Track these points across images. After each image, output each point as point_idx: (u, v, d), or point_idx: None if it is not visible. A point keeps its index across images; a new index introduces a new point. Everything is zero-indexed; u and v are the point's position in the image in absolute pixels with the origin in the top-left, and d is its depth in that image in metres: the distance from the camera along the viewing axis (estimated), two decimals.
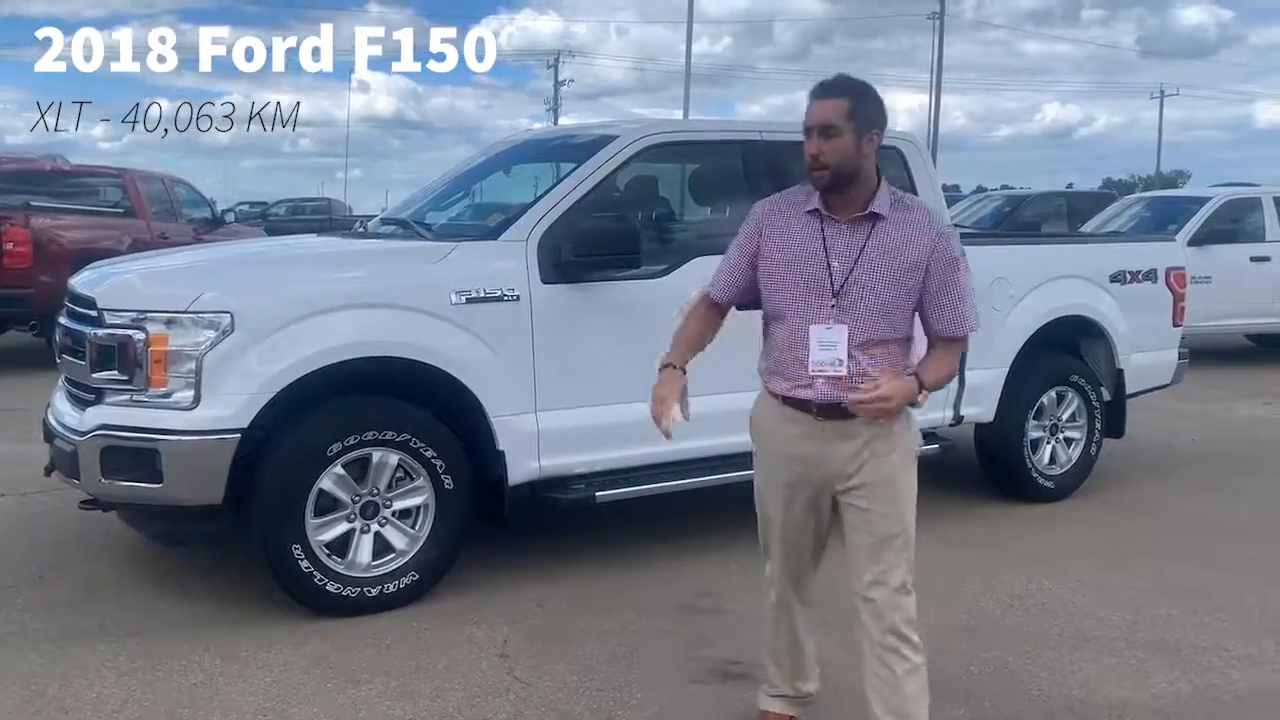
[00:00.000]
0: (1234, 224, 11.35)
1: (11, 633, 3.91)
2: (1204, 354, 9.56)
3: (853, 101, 2.64)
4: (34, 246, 9.48)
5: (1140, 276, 6.22)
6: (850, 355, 2.69)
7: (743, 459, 4.74)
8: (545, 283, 4.32)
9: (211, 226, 12.99)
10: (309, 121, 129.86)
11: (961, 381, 5.46)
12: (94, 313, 4.03)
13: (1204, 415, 8.47)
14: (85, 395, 4.09)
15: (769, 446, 2.92)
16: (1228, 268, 10.67)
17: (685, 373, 2.89)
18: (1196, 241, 10.62)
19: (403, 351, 4.07)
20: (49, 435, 4.32)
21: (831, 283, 2.67)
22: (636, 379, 4.51)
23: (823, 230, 2.71)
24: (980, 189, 27.69)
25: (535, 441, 4.33)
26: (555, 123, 47.31)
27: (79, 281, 4.41)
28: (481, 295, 4.21)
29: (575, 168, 4.57)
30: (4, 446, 6.13)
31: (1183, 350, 6.50)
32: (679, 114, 34.00)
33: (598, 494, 4.44)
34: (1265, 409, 9.02)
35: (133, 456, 3.85)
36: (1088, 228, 13.16)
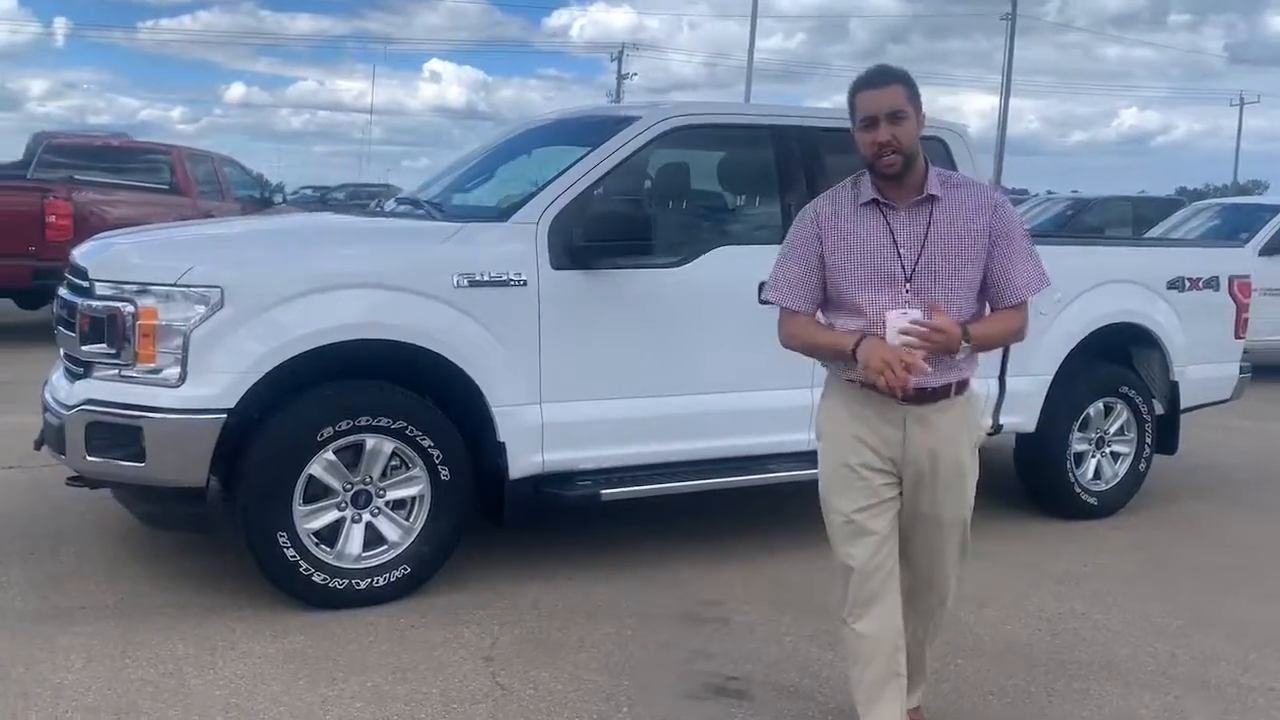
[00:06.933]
0: None
1: None
2: (1271, 370, 9.08)
3: (908, 87, 2.70)
4: (76, 220, 9.47)
5: (1201, 284, 5.85)
6: None
7: (758, 461, 4.57)
8: (555, 268, 4.11)
9: (260, 207, 12.99)
10: (382, 109, 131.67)
11: (1002, 388, 5.18)
12: (86, 283, 3.91)
13: (1264, 434, 8.01)
14: (76, 369, 3.98)
15: (848, 431, 2.79)
16: None
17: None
18: (1269, 251, 10.10)
19: (400, 335, 3.89)
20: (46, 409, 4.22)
21: (903, 269, 2.68)
22: (648, 373, 4.34)
23: (886, 219, 2.72)
24: (1050, 194, 27.00)
25: (539, 434, 4.13)
26: None
27: (78, 251, 4.30)
28: (486, 279, 4.01)
29: (591, 150, 4.36)
30: (13, 419, 6.06)
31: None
32: None
33: (603, 492, 4.22)
34: None
35: (117, 433, 3.72)
36: (1153, 234, 12.65)
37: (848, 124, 4.50)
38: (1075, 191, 24.88)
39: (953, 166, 4.94)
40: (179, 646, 3.56)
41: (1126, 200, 18.25)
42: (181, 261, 3.77)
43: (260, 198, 13.34)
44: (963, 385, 2.79)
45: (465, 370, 3.99)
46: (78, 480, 4.00)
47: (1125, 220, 16.61)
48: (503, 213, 4.30)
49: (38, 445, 4.18)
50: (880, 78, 2.70)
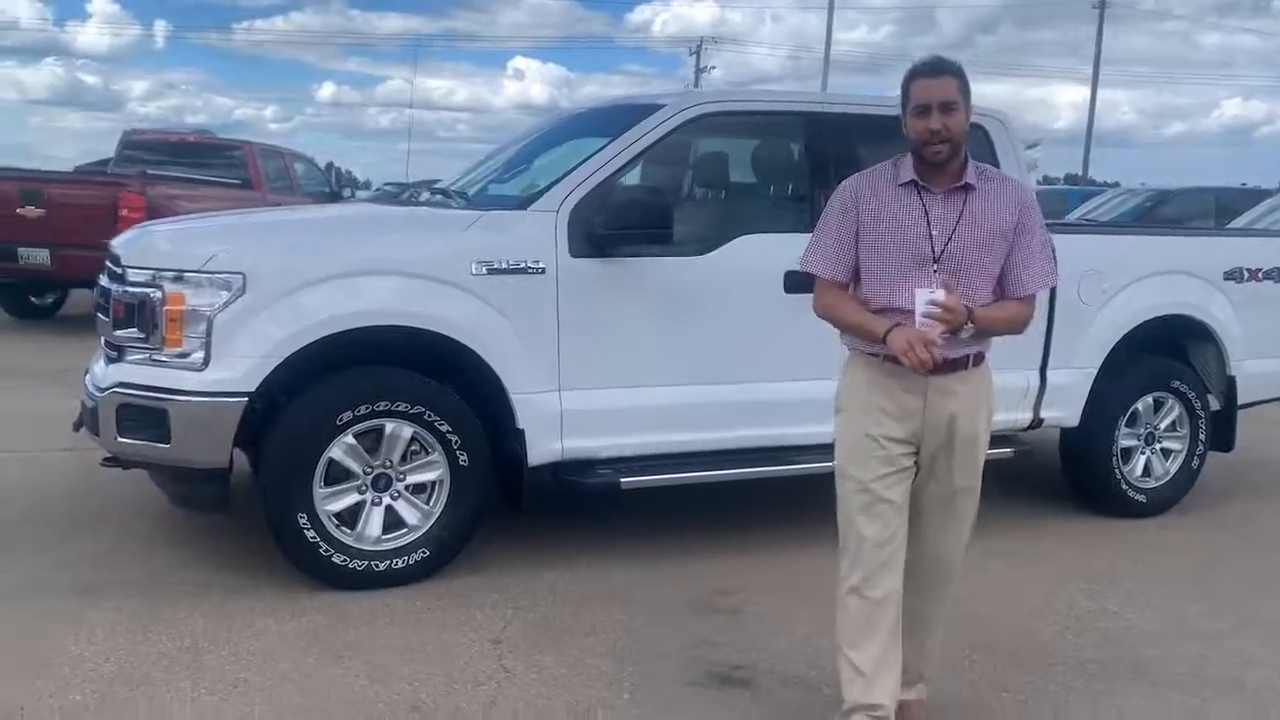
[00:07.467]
0: None
1: (29, 585, 3.95)
2: None
3: (961, 79, 2.81)
4: (148, 213, 9.73)
5: (1260, 275, 5.63)
6: None
7: (781, 452, 4.52)
8: (574, 256, 4.12)
9: (330, 201, 13.25)
10: (466, 107, 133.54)
11: (1043, 381, 5.05)
12: (119, 270, 4.03)
13: None
14: (112, 354, 4.11)
15: (870, 402, 2.89)
16: None
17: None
18: None
19: (418, 321, 3.94)
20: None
21: (933, 250, 2.79)
22: (668, 361, 4.32)
23: (922, 201, 2.82)
24: (1144, 185, 26.10)
25: (558, 422, 4.15)
26: None
27: (116, 240, 4.44)
28: (504, 267, 4.04)
29: (615, 138, 4.35)
30: (76, 403, 6.27)
31: None
32: None
33: (623, 480, 4.22)
34: None
35: (145, 415, 3.83)
36: (1234, 225, 12.18)
37: (879, 111, 4.45)
38: (1167, 184, 24.03)
39: (993, 152, 4.83)
40: (199, 623, 3.66)
41: (1209, 191, 17.56)
42: (206, 248, 3.87)
43: (330, 193, 13.61)
44: (979, 358, 2.91)
45: (483, 357, 4.02)
46: (111, 461, 4.13)
47: (1208, 212, 16.00)
48: (523, 201, 4.31)
49: (76, 427, 4.33)
50: (936, 68, 2.81)
